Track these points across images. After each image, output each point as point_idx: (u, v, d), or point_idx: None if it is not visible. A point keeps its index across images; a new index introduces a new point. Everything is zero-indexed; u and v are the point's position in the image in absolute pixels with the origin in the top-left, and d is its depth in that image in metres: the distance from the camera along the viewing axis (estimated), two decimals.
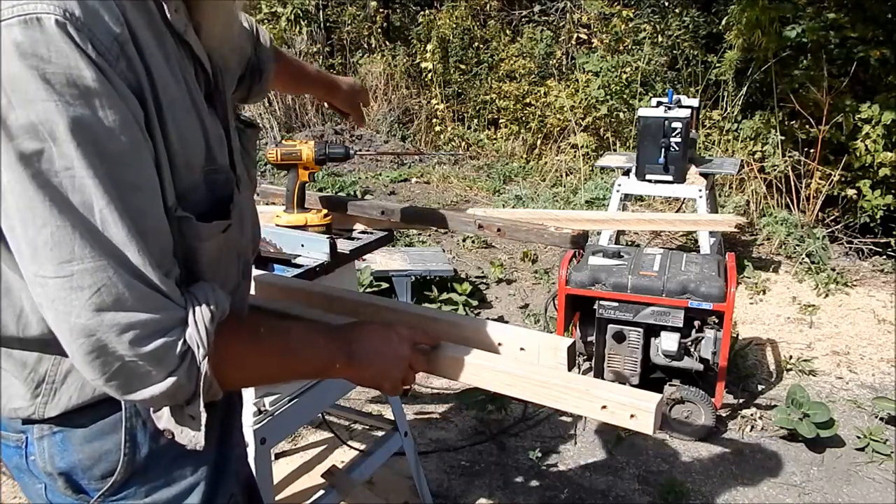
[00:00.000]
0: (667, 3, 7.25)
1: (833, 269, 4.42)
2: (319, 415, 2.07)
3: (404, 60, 7.95)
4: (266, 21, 7.43)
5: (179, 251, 0.84)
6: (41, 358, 0.86)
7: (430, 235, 4.98)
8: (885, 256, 4.84)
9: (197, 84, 0.91)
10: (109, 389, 0.78)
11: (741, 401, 3.05)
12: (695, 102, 4.00)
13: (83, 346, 0.74)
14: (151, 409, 0.86)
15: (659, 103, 3.83)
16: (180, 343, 0.78)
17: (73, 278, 0.71)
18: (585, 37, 7.32)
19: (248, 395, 1.64)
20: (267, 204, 2.17)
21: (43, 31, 0.68)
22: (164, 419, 0.85)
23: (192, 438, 0.85)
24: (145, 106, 0.77)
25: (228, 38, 0.90)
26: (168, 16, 0.83)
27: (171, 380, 0.77)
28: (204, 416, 0.83)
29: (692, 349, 2.70)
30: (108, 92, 0.71)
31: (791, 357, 3.43)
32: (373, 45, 8.30)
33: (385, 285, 3.77)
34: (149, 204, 0.77)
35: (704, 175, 3.88)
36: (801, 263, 4.52)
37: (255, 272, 1.51)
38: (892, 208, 5.28)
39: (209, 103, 0.94)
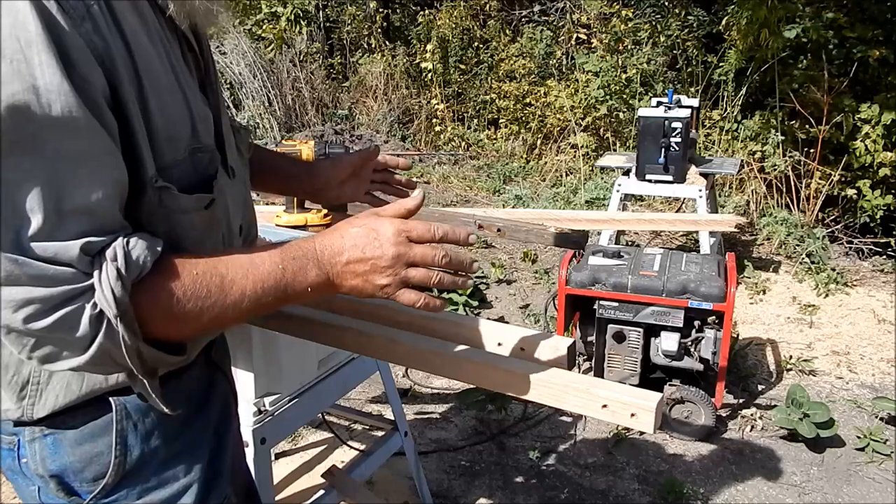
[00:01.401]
0: (667, 3, 7.25)
1: (833, 269, 4.42)
2: (319, 415, 2.07)
3: (404, 60, 7.95)
4: (266, 21, 7.44)
5: (162, 228, 0.83)
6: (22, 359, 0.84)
7: None
8: (885, 256, 4.84)
9: (185, 65, 0.91)
10: (35, 363, 0.76)
11: (741, 401, 3.05)
12: (695, 102, 4.00)
13: None
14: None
15: (659, 103, 3.83)
16: (89, 307, 0.73)
17: None
18: (585, 37, 7.32)
19: (248, 395, 1.64)
20: (267, 204, 2.17)
21: None
22: (138, 384, 0.82)
23: (158, 404, 0.82)
24: (115, 73, 0.75)
25: (206, 11, 0.88)
26: None
27: (93, 348, 0.74)
28: (147, 382, 0.79)
29: (692, 349, 2.70)
30: (49, 49, 0.69)
31: (791, 357, 3.43)
32: (373, 45, 8.31)
33: None
34: (76, 172, 0.72)
35: (704, 175, 3.88)
36: (801, 263, 4.52)
37: None
38: (892, 208, 5.28)
39: (201, 91, 0.94)
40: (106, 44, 0.74)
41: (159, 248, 0.79)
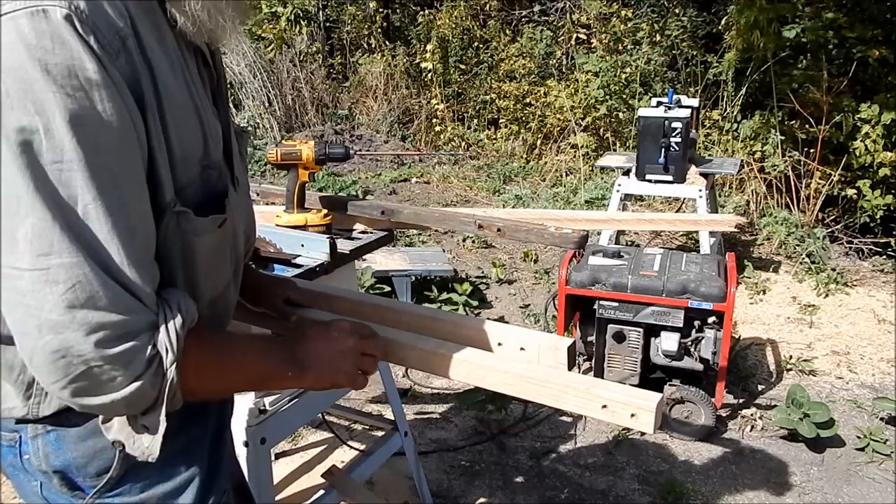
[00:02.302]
0: (666, 3, 7.25)
1: (833, 269, 4.42)
2: (319, 415, 2.07)
3: (404, 60, 7.95)
4: (266, 21, 7.44)
5: (177, 246, 0.85)
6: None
7: (430, 235, 4.98)
8: (885, 256, 4.83)
9: (200, 80, 0.92)
10: (67, 393, 0.76)
11: (741, 401, 3.05)
12: (695, 102, 4.00)
13: (50, 343, 0.72)
14: (100, 419, 0.85)
15: (659, 103, 3.83)
16: (149, 348, 0.76)
17: (49, 272, 0.71)
18: (585, 37, 7.32)
19: (248, 395, 1.63)
20: (267, 204, 2.17)
21: (49, 23, 0.69)
22: (113, 430, 0.84)
23: (146, 449, 0.84)
24: (143, 102, 0.77)
25: (212, 23, 0.88)
26: (169, 12, 0.83)
27: (134, 385, 0.76)
28: (164, 425, 0.81)
29: (692, 349, 2.70)
30: (108, 85, 0.72)
31: (791, 357, 3.43)
32: (373, 45, 8.31)
33: (386, 288, 3.77)
34: (135, 201, 0.76)
35: (704, 175, 3.88)
36: (801, 263, 4.52)
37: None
38: (892, 208, 5.28)
39: (212, 102, 0.95)
40: (137, 75, 0.76)
41: (195, 306, 0.86)
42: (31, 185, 0.69)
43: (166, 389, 0.79)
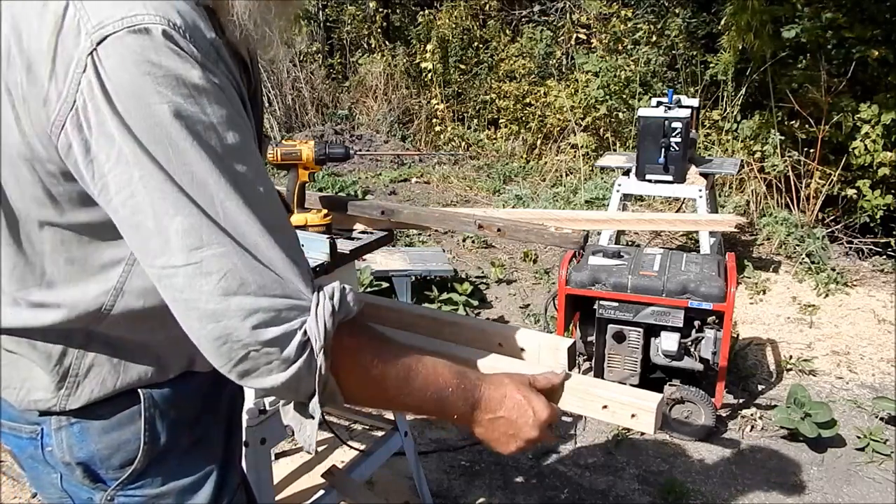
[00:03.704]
0: (666, 3, 7.25)
1: (833, 269, 4.42)
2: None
3: (404, 60, 7.96)
4: None
5: None
6: (65, 350, 0.88)
7: (430, 235, 4.98)
8: (885, 256, 4.83)
9: (245, 88, 0.94)
10: (235, 376, 0.79)
11: (741, 401, 3.05)
12: (695, 102, 4.00)
13: (212, 331, 0.75)
14: (281, 403, 0.88)
15: (659, 103, 3.83)
16: (300, 333, 0.78)
17: (201, 264, 0.74)
18: (585, 37, 7.32)
19: (249, 394, 1.63)
20: None
21: (152, 39, 0.73)
22: (289, 415, 0.87)
23: (307, 437, 0.86)
24: (245, 105, 0.81)
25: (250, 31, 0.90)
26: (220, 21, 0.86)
27: (291, 370, 0.78)
28: (318, 415, 0.83)
29: (692, 349, 2.70)
30: (215, 90, 0.76)
31: (791, 357, 3.43)
32: (372, 45, 8.31)
33: (385, 285, 3.77)
34: (266, 195, 0.80)
35: (704, 175, 3.88)
36: (801, 263, 4.52)
37: None
38: (891, 208, 5.28)
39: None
40: (228, 82, 0.80)
41: (362, 303, 0.87)
42: (171, 185, 0.73)
43: (317, 377, 0.80)
